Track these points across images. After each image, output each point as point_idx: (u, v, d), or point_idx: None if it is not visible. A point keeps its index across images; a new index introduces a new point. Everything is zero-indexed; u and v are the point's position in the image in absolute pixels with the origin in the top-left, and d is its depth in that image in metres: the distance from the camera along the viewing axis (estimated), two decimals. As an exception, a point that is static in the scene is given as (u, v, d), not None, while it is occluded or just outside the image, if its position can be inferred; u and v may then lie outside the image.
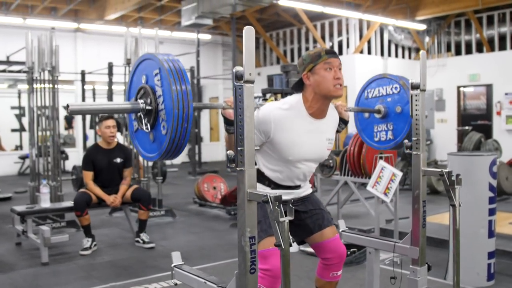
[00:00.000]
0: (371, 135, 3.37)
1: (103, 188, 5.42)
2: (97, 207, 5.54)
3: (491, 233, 4.06)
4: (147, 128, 2.09)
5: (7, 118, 15.26)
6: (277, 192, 2.55)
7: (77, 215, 5.27)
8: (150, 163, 8.11)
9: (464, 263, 3.97)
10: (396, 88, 3.21)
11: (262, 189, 2.59)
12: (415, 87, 2.95)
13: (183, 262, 2.71)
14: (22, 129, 14.97)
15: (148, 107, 2.08)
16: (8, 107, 15.48)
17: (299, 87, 2.64)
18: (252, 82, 2.07)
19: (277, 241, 2.00)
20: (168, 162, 14.19)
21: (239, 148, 2.10)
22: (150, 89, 2.09)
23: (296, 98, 2.60)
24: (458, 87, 13.89)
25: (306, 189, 2.81)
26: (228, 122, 2.28)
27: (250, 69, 2.05)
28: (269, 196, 2.00)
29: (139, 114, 2.14)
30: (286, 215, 2.00)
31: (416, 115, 2.96)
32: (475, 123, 13.24)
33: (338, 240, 2.84)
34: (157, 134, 2.10)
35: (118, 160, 5.52)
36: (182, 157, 15.68)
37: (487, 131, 12.70)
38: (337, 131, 2.87)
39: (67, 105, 1.91)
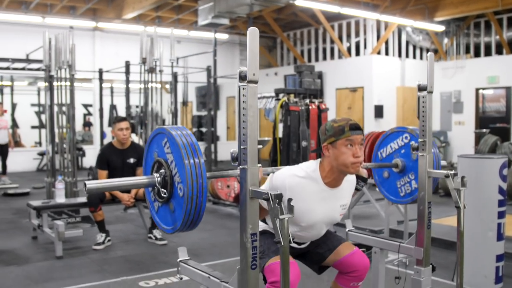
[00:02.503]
0: (396, 193, 3.44)
1: (117, 186, 5.50)
2: (111, 203, 5.63)
3: (500, 236, 4.05)
4: (165, 194, 2.15)
5: (27, 115, 15.51)
6: None
7: (91, 211, 5.37)
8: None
9: (472, 266, 3.99)
10: (406, 137, 3.30)
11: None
12: (422, 89, 2.97)
13: (189, 257, 2.77)
14: (41, 126, 15.22)
15: (163, 176, 2.15)
16: (28, 104, 15.74)
17: (319, 151, 2.63)
18: (255, 82, 2.11)
19: (277, 238, 2.04)
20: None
21: (242, 147, 2.15)
22: (162, 160, 2.17)
23: (313, 167, 2.59)
24: (477, 89, 13.76)
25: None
26: None
27: (254, 70, 2.10)
28: (270, 194, 2.05)
29: (156, 187, 2.21)
30: (286, 213, 2.05)
31: (423, 116, 2.98)
32: (494, 126, 13.12)
33: (359, 253, 2.77)
34: (176, 200, 2.14)
35: (132, 160, 5.61)
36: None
37: (505, 134, 12.58)
38: (357, 189, 2.84)
39: (84, 184, 2.01)
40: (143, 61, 6.97)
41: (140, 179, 2.23)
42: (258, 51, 2.13)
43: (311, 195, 2.54)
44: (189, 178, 2.02)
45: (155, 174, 2.18)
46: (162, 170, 2.16)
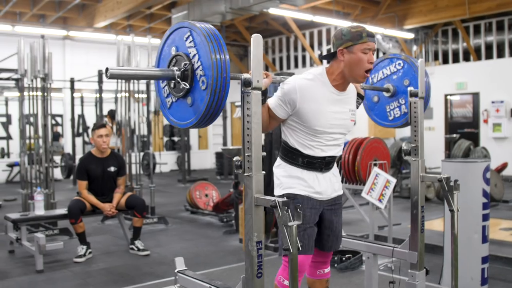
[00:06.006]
0: (384, 116, 3.36)
1: (97, 197, 5.41)
2: (91, 215, 5.53)
3: (484, 239, 4.12)
4: (185, 85, 2.07)
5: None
6: (309, 183, 2.60)
7: (71, 223, 5.26)
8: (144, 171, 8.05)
9: (459, 268, 4.03)
10: (399, 64, 3.23)
11: (296, 173, 2.62)
12: (413, 94, 3.02)
13: (186, 268, 2.73)
14: (9, 137, 14.83)
15: (183, 70, 2.08)
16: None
17: (328, 57, 2.64)
18: (259, 89, 2.11)
19: (285, 245, 2.03)
20: (157, 170, 14.17)
21: (246, 154, 2.13)
22: (183, 54, 2.09)
23: (319, 70, 2.63)
24: (446, 95, 14.04)
25: (338, 188, 2.77)
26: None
27: (258, 76, 2.09)
28: (277, 202, 2.03)
29: (172, 82, 2.14)
30: (294, 219, 2.04)
31: (415, 122, 3.02)
32: (462, 131, 13.39)
33: None
34: (196, 94, 2.07)
35: (112, 168, 5.52)
36: (171, 165, 15.68)
37: (474, 139, 12.85)
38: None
39: (107, 68, 1.92)
40: (120, 69, 6.88)
41: (158, 70, 2.12)
42: (262, 57, 2.12)
43: (321, 96, 2.57)
44: (214, 71, 1.95)
45: (174, 68, 2.10)
46: (183, 64, 2.07)
